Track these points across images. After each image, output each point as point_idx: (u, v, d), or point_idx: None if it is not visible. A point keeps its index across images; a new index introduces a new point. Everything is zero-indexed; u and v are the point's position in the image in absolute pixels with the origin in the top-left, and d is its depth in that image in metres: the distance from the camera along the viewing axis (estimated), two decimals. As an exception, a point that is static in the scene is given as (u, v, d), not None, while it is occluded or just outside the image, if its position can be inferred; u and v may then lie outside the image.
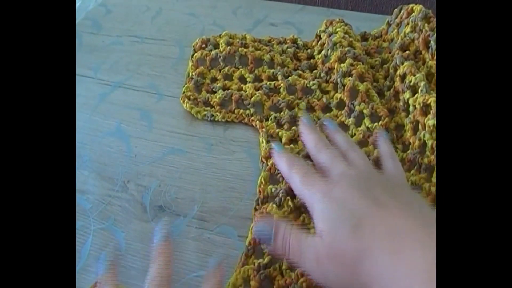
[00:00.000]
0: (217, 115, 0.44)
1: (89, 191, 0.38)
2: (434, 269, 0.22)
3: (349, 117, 0.42)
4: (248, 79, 0.47)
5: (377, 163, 0.37)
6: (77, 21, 0.59)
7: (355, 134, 0.41)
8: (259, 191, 0.37)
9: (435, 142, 0.36)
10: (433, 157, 0.35)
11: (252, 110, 0.44)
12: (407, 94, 0.40)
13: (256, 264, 0.32)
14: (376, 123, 0.40)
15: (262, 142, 0.41)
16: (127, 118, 0.45)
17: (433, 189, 0.34)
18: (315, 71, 0.47)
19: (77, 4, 0.65)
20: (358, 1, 0.62)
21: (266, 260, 0.32)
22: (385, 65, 0.46)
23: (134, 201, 0.37)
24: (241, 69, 0.48)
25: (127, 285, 0.32)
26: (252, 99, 0.44)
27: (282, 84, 0.45)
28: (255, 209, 0.36)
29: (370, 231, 0.26)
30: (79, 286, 0.32)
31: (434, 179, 0.35)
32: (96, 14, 0.61)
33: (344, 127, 0.42)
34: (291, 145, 0.40)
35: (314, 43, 0.51)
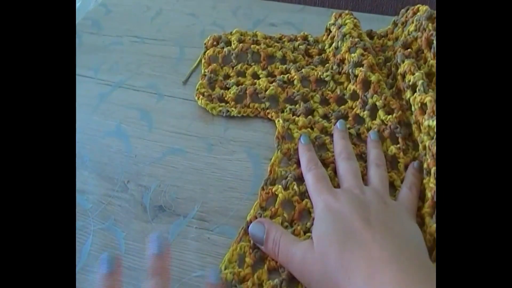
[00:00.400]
0: (232, 110, 0.44)
1: (89, 191, 0.38)
2: None
3: (364, 110, 0.42)
4: (261, 76, 0.48)
5: (391, 162, 0.38)
6: (77, 21, 0.59)
7: (370, 128, 0.41)
8: (270, 171, 0.38)
9: (430, 142, 0.35)
10: (430, 160, 0.35)
11: (267, 104, 0.44)
12: (407, 93, 0.40)
13: (252, 241, 0.33)
14: (390, 116, 0.40)
15: (279, 120, 0.42)
16: (127, 118, 0.45)
17: (429, 194, 0.33)
18: (327, 65, 0.48)
19: (77, 4, 0.65)
20: (358, 1, 0.62)
21: None
22: (388, 63, 0.47)
23: (134, 201, 0.37)
24: (253, 66, 0.48)
25: (127, 285, 0.32)
26: (267, 92, 0.45)
27: (296, 76, 0.46)
28: (262, 189, 0.37)
29: (353, 250, 0.28)
30: (79, 286, 0.32)
31: (431, 184, 0.34)
32: (96, 14, 0.61)
33: (359, 119, 0.43)
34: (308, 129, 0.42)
35: (324, 37, 0.52)
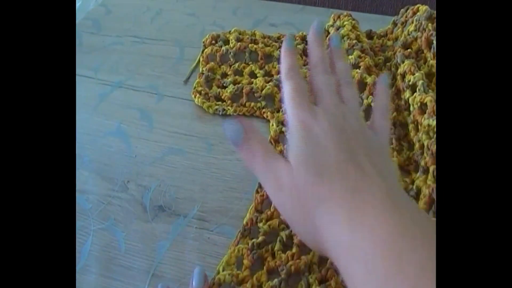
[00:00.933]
0: (228, 109, 0.45)
1: (89, 191, 0.38)
2: (396, 242, 0.21)
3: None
4: (258, 75, 0.48)
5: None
6: (77, 21, 0.60)
7: None
8: None
9: (430, 141, 0.35)
10: (428, 159, 0.35)
11: (263, 103, 0.45)
12: (407, 93, 0.40)
13: (250, 244, 0.33)
14: None
15: (273, 125, 0.42)
16: (127, 118, 0.45)
17: (427, 191, 0.34)
18: None
19: (77, 4, 0.65)
20: (358, 1, 0.62)
21: (260, 239, 0.33)
22: (388, 63, 0.47)
23: (134, 201, 0.37)
24: (251, 65, 0.49)
25: (127, 285, 0.32)
26: (263, 91, 0.45)
27: None
28: (257, 192, 0.37)
29: (333, 182, 0.25)
30: (79, 286, 0.32)
31: (429, 181, 0.34)
32: (96, 14, 0.61)
33: None
34: None
35: None
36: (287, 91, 0.30)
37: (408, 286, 0.20)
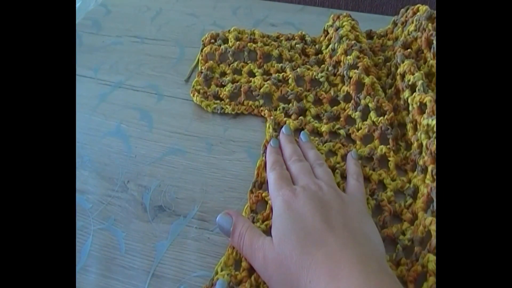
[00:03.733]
0: (226, 107, 0.45)
1: (89, 191, 0.38)
2: None
3: (356, 111, 0.42)
4: (256, 74, 0.48)
5: (380, 161, 0.39)
6: (77, 21, 0.60)
7: (361, 128, 0.41)
8: (257, 174, 0.38)
9: (429, 141, 0.35)
10: (427, 158, 0.35)
11: (261, 101, 0.45)
12: (406, 93, 0.40)
13: None
14: (381, 117, 0.41)
15: (269, 127, 0.42)
16: (127, 118, 0.45)
17: (425, 190, 0.34)
18: (323, 65, 0.48)
19: (77, 4, 0.65)
20: (358, 1, 0.62)
21: None
22: (388, 63, 0.47)
23: (134, 201, 0.37)
24: (250, 64, 0.49)
25: (127, 285, 0.32)
26: (261, 90, 0.45)
27: (290, 75, 0.46)
28: (251, 192, 0.37)
29: (313, 252, 0.27)
30: (79, 286, 0.32)
31: (427, 180, 0.35)
32: (96, 14, 0.61)
33: (351, 120, 0.43)
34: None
35: (322, 38, 0.52)
36: (271, 179, 0.35)
37: None
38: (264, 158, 0.39)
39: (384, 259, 0.29)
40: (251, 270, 0.32)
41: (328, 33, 0.51)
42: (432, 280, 0.29)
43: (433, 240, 0.30)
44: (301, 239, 0.28)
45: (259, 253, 0.30)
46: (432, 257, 0.30)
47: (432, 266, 0.29)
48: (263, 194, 0.36)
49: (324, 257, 0.27)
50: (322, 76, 0.46)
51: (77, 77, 0.50)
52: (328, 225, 0.29)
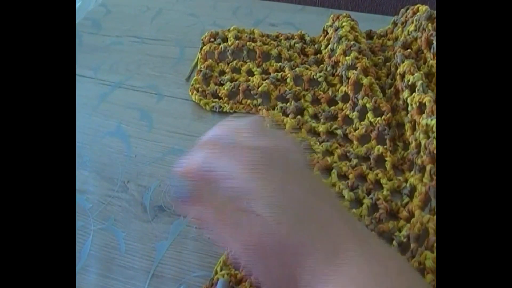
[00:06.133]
0: (225, 106, 0.45)
1: (89, 191, 0.38)
2: (369, 282, 0.22)
3: (353, 111, 0.42)
4: (255, 73, 0.48)
5: (377, 161, 0.38)
6: (77, 21, 0.59)
7: (358, 128, 0.41)
8: None
9: (428, 141, 0.36)
10: (425, 158, 0.35)
11: (259, 100, 0.45)
12: (406, 93, 0.40)
13: None
14: (379, 118, 0.41)
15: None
16: (127, 118, 0.45)
17: (423, 189, 0.34)
18: (321, 65, 0.48)
19: (77, 4, 0.65)
20: (358, 1, 0.62)
21: None
22: (387, 63, 0.47)
23: (134, 201, 0.37)
24: (249, 63, 0.49)
25: (127, 285, 0.32)
26: (260, 89, 0.45)
27: (289, 75, 0.46)
28: None
29: (309, 227, 0.23)
30: (79, 286, 0.32)
31: (425, 180, 0.35)
32: (96, 14, 0.61)
33: (348, 120, 0.43)
34: (293, 134, 0.41)
35: (321, 38, 0.52)
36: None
37: None
38: None
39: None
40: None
41: (327, 33, 0.51)
42: (430, 277, 0.29)
43: (432, 238, 0.31)
44: (294, 215, 0.24)
45: (244, 234, 0.24)
46: (430, 255, 0.30)
47: (429, 263, 0.29)
48: None
49: (321, 230, 0.23)
50: (320, 76, 0.46)
51: (77, 77, 0.50)
52: (313, 194, 0.25)
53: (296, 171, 0.26)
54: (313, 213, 0.24)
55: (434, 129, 0.36)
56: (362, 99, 0.42)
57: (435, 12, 0.45)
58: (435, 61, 0.42)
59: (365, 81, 0.42)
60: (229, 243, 0.25)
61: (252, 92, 0.45)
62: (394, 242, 0.32)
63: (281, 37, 0.53)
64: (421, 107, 0.38)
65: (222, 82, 0.48)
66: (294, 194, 0.24)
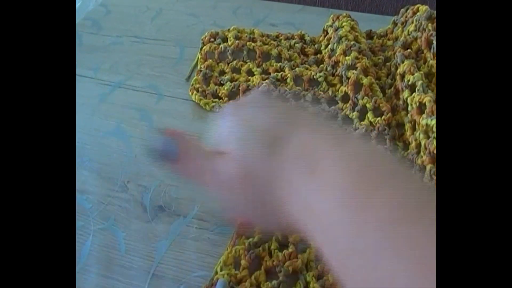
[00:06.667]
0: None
1: (89, 191, 0.38)
2: (347, 189, 0.20)
3: (353, 111, 0.42)
4: (255, 73, 0.48)
5: None
6: (77, 21, 0.59)
7: (358, 128, 0.41)
8: None
9: (428, 141, 0.36)
10: (425, 158, 0.35)
11: None
12: (406, 93, 0.40)
13: (246, 244, 0.33)
14: (379, 118, 0.41)
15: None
16: (127, 118, 0.45)
17: None
18: (321, 65, 0.48)
19: (77, 4, 0.65)
20: (358, 1, 0.62)
21: (256, 238, 0.33)
22: (387, 63, 0.47)
23: (134, 201, 0.37)
24: (249, 63, 0.49)
25: (127, 285, 0.32)
26: (259, 89, 0.45)
27: (289, 75, 0.46)
28: None
29: (283, 150, 0.23)
30: (79, 286, 0.32)
31: (425, 180, 0.35)
32: (96, 14, 0.61)
33: (348, 120, 0.43)
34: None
35: (321, 38, 0.52)
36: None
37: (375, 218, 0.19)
38: None
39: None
40: (251, 268, 0.32)
41: (327, 33, 0.51)
42: None
43: None
44: (262, 143, 0.24)
45: (216, 174, 0.26)
46: None
47: None
48: None
49: (293, 153, 0.23)
50: (320, 76, 0.46)
51: (77, 77, 0.50)
52: (285, 117, 0.25)
53: (264, 102, 0.27)
54: (287, 135, 0.23)
55: (434, 129, 0.36)
56: (362, 99, 0.42)
57: (435, 12, 0.45)
58: (435, 61, 0.42)
59: (365, 81, 0.42)
60: (212, 187, 0.27)
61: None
62: None
63: (281, 37, 0.53)
64: (421, 107, 0.38)
65: (222, 82, 0.48)
66: (261, 123, 0.25)
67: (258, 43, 0.50)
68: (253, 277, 0.31)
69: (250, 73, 0.48)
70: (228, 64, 0.49)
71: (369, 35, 0.53)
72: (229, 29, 0.53)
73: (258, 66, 0.49)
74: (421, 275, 0.18)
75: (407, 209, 0.20)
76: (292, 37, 0.53)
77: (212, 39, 0.52)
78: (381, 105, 0.41)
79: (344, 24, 0.49)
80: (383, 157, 0.23)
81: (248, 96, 0.28)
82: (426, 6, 0.46)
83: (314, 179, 0.22)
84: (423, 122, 0.36)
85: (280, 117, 0.25)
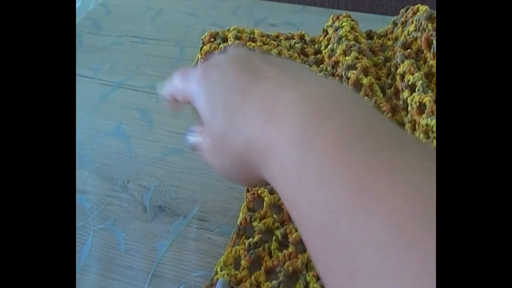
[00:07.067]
0: None
1: (89, 191, 0.38)
2: (303, 131, 0.19)
3: None
4: None
5: None
6: (77, 21, 0.59)
7: None
8: None
9: (427, 141, 0.36)
10: None
11: None
12: (406, 93, 0.40)
13: (246, 244, 0.33)
14: None
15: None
16: (127, 118, 0.45)
17: None
18: (322, 65, 0.48)
19: (77, 4, 0.65)
20: (358, 1, 0.62)
21: (256, 238, 0.33)
22: (387, 63, 0.47)
23: (134, 201, 0.37)
24: None
25: (127, 285, 0.32)
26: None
27: None
28: (247, 190, 0.37)
29: (245, 110, 0.22)
30: (79, 286, 0.32)
31: None
32: (96, 14, 0.61)
33: None
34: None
35: (321, 38, 0.52)
36: (176, 84, 0.31)
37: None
38: None
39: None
40: (251, 268, 0.32)
41: (327, 33, 0.51)
42: None
43: None
44: (224, 109, 0.23)
45: (202, 145, 0.27)
46: None
47: None
48: (259, 191, 0.36)
49: (254, 106, 0.22)
50: (320, 76, 0.46)
51: (77, 77, 0.50)
52: (251, 74, 0.23)
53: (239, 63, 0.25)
54: (250, 92, 0.23)
55: (434, 129, 0.36)
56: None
57: (435, 12, 0.45)
58: (435, 61, 0.42)
59: (365, 81, 0.42)
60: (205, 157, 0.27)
61: None
62: None
63: (281, 37, 0.53)
64: (421, 107, 0.38)
65: None
66: (227, 84, 0.24)
67: (258, 43, 0.50)
68: (253, 277, 0.31)
69: None
70: None
71: (369, 35, 0.53)
72: (229, 29, 0.52)
73: None
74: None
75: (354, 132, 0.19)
76: (292, 37, 0.53)
77: (212, 39, 0.52)
78: (381, 105, 0.41)
79: (344, 24, 0.49)
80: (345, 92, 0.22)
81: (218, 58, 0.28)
82: (426, 6, 0.46)
83: (268, 124, 0.21)
84: (423, 122, 0.36)
85: (245, 73, 0.24)
